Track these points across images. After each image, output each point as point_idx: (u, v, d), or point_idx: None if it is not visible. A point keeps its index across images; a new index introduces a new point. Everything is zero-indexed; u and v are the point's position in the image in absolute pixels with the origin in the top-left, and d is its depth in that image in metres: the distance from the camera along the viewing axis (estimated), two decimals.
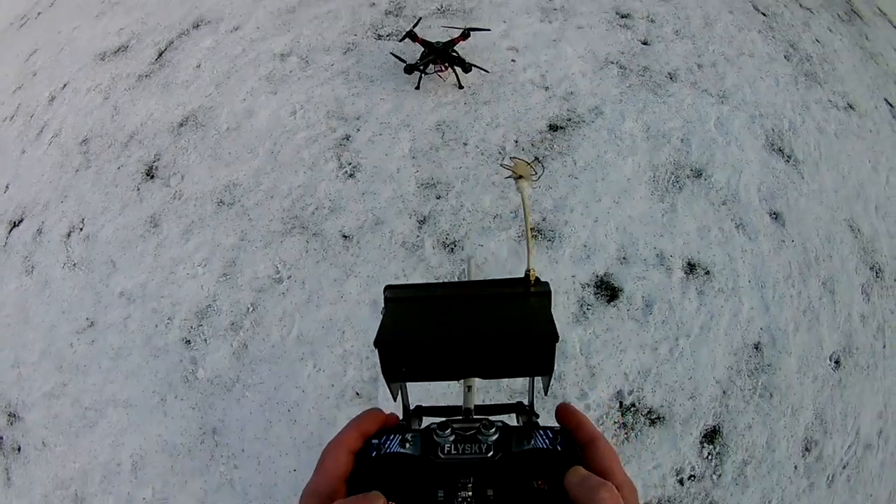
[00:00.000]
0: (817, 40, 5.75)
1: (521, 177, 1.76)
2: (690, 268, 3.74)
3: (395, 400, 0.88)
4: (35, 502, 3.50)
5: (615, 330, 3.50)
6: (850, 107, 5.15)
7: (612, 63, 4.76)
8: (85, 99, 5.15)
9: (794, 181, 4.32)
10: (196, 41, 5.26)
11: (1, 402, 3.83)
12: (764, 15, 5.75)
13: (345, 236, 3.81)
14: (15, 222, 4.54)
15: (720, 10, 5.58)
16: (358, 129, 4.30)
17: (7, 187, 4.82)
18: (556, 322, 0.82)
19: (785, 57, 5.31)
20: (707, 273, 3.75)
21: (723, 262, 3.81)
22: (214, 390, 3.47)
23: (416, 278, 3.58)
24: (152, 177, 4.35)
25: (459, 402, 1.34)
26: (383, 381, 2.90)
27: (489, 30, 4.74)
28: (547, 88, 4.51)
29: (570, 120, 4.33)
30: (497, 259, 3.62)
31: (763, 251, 3.93)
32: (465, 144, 4.17)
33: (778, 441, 3.47)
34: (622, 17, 5.20)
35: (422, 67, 4.35)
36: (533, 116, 4.31)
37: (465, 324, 0.92)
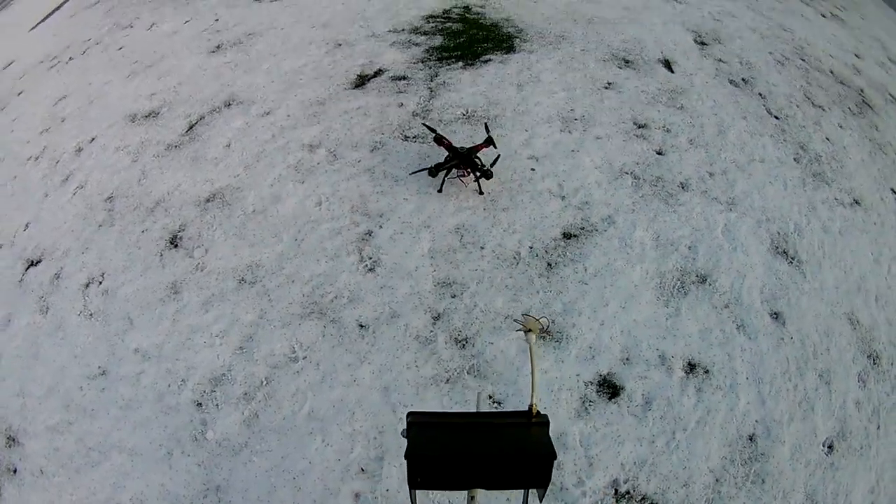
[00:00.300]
0: (827, 139, 5.99)
1: (530, 330, 1.98)
2: (690, 367, 3.95)
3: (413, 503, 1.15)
4: None
5: (614, 424, 3.70)
6: (856, 202, 5.37)
7: (627, 173, 5.01)
8: (113, 157, 5.51)
9: (796, 281, 4.54)
10: (227, 120, 5.63)
11: (1, 424, 4.02)
12: (776, 118, 6.03)
13: (361, 325, 4.03)
14: (33, 261, 4.82)
15: (734, 117, 5.87)
16: (380, 226, 4.55)
17: (27, 226, 5.14)
18: (552, 442, 1.04)
19: (794, 160, 5.56)
20: (706, 372, 3.95)
21: (722, 362, 4.01)
22: (222, 451, 3.65)
23: (428, 370, 3.81)
24: (176, 246, 4.62)
25: None
26: (388, 460, 3.07)
27: (498, 155, 4.82)
28: (563, 198, 4.76)
29: (583, 228, 4.57)
30: (506, 357, 3.86)
31: (762, 349, 4.12)
32: (483, 248, 4.41)
33: None
34: (639, 127, 5.49)
35: (445, 170, 4.59)
36: (548, 224, 4.56)
37: (478, 446, 1.20)
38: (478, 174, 4.53)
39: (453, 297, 4.12)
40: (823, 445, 3.87)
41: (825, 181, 5.43)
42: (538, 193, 4.74)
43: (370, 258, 4.33)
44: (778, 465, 3.73)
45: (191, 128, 5.54)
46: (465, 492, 1.62)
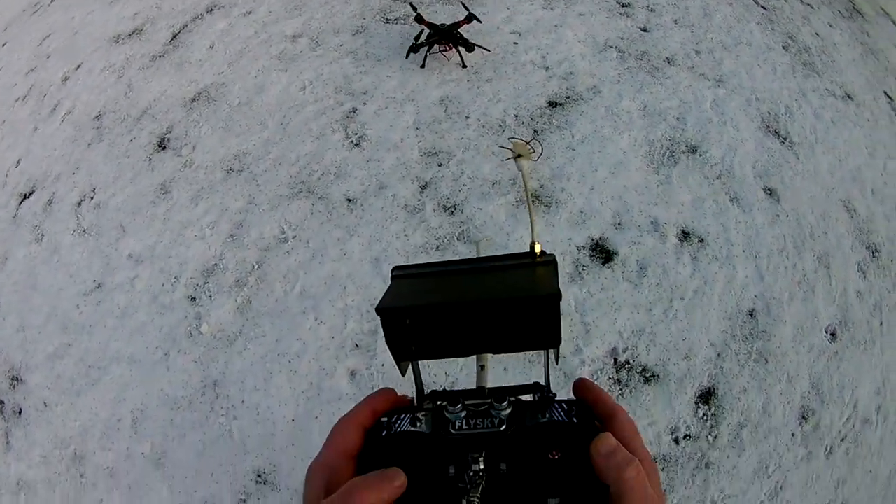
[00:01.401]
0: (817, 34, 5.86)
1: (519, 156, 1.86)
2: (684, 235, 3.81)
3: (402, 375, 0.82)
4: (33, 464, 3.56)
5: (609, 290, 3.56)
6: (848, 96, 5.24)
7: (612, 47, 4.88)
8: (99, 78, 5.32)
9: (788, 161, 4.39)
10: (210, 24, 5.44)
11: (4, 365, 3.91)
12: (763, 8, 5.88)
13: (349, 199, 3.92)
14: (25, 194, 4.69)
15: (719, 2, 5.71)
16: (364, 103, 4.44)
17: (18, 162, 4.98)
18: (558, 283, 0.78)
19: (783, 47, 5.42)
20: (701, 241, 3.81)
21: (717, 232, 3.87)
22: (217, 344, 3.55)
23: (417, 238, 3.67)
24: (164, 148, 4.49)
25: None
26: (381, 335, 2.95)
27: (490, 51, 4.84)
28: (547, 69, 4.63)
29: (568, 98, 4.45)
30: (496, 222, 3.72)
31: (757, 223, 3.99)
32: (468, 118, 4.30)
33: (774, 407, 3.49)
34: (622, 6, 5.34)
35: (427, 47, 4.50)
36: (533, 94, 4.44)
37: (469, 291, 0.85)
38: (459, 47, 4.46)
39: (440, 165, 4.02)
40: (826, 332, 3.75)
41: (815, 72, 5.31)
42: (521, 65, 4.63)
43: (356, 134, 4.25)
44: (781, 346, 3.60)
45: (174, 37, 5.45)
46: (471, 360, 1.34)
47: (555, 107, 4.35)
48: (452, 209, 3.81)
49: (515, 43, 4.80)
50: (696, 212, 3.91)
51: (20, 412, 3.74)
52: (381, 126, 4.28)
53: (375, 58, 4.76)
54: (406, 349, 0.76)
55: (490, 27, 4.91)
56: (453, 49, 4.55)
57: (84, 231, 4.22)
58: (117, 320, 3.79)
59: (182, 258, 3.89)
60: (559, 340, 0.73)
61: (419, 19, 4.55)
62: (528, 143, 1.68)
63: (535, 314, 0.74)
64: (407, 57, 4.60)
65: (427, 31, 4.59)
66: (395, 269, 0.96)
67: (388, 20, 5.11)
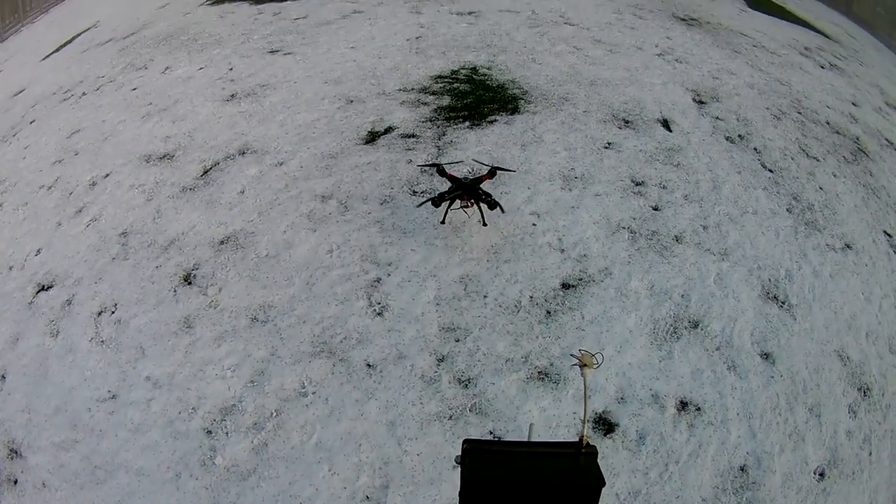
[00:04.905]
0: (821, 188, 6.30)
1: (585, 365, 2.16)
2: (683, 405, 4.20)
3: None
4: None
5: (609, 458, 3.93)
6: (848, 246, 5.65)
7: (624, 228, 5.30)
8: (127, 194, 5.79)
9: (786, 324, 4.80)
10: (241, 167, 5.93)
11: (4, 437, 4.24)
12: (770, 171, 6.34)
13: (369, 365, 4.30)
14: (44, 286, 5.10)
15: (729, 172, 6.17)
16: (389, 275, 4.84)
17: (39, 251, 5.44)
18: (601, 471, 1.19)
19: (787, 210, 5.86)
20: (698, 409, 4.19)
21: (713, 399, 4.25)
22: (230, 477, 3.87)
23: (432, 407, 4.06)
24: (190, 283, 4.90)
25: None
26: (393, 489, 3.23)
27: (514, 171, 5.02)
28: (563, 251, 5.05)
29: (581, 279, 4.86)
30: (507, 396, 4.13)
31: (752, 387, 4.36)
32: (486, 297, 4.70)
33: None
34: (637, 184, 5.79)
35: (448, 202, 4.73)
36: (548, 275, 4.86)
37: (532, 474, 1.29)
38: (481, 204, 4.64)
39: (457, 341, 4.40)
40: (815, 473, 4.07)
41: (817, 228, 5.71)
42: (539, 247, 5.04)
43: (378, 303, 4.61)
44: (770, 493, 3.93)
45: (205, 172, 5.86)
46: None
47: (568, 288, 4.77)
48: (467, 382, 4.21)
49: (534, 224, 5.26)
50: (694, 383, 4.32)
51: (15, 482, 4.03)
52: (404, 298, 4.67)
53: (401, 230, 5.19)
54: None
55: (511, 206, 5.35)
56: (475, 205, 4.79)
57: (102, 342, 4.59)
58: (129, 433, 4.11)
59: (201, 392, 4.23)
60: None
61: (441, 172, 4.73)
62: (593, 355, 2.04)
63: (581, 497, 1.11)
64: (419, 206, 4.85)
65: (449, 184, 4.83)
66: (465, 442, 1.44)
67: (414, 192, 5.57)
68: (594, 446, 1.29)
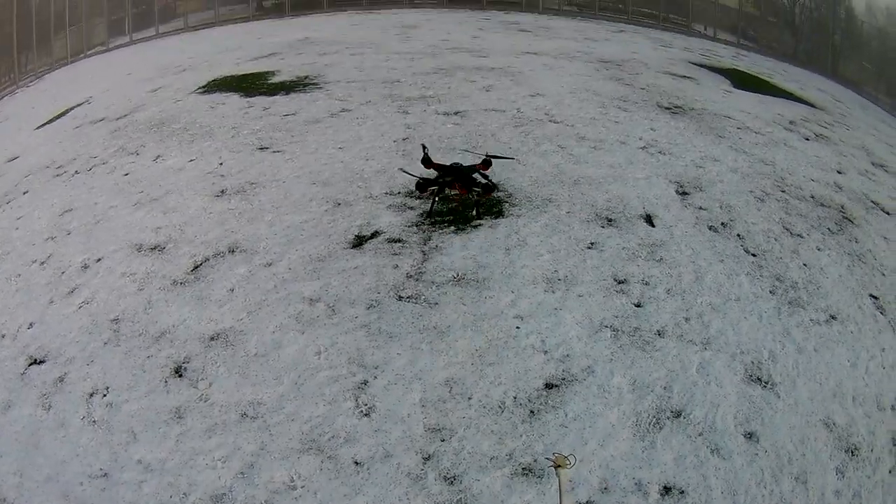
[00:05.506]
0: (804, 264, 6.49)
1: (559, 466, 2.32)
2: (666, 490, 4.30)
3: None
4: None
5: None
6: (833, 317, 5.81)
7: (607, 327, 5.48)
8: (119, 281, 6.02)
9: (770, 402, 4.92)
10: (231, 266, 6.15)
11: None
12: (753, 255, 6.54)
13: (356, 462, 4.43)
14: (36, 360, 5.29)
15: (711, 262, 6.36)
16: (375, 377, 4.99)
17: (31, 325, 5.66)
18: None
19: (770, 292, 6.03)
20: (682, 492, 4.28)
21: (696, 482, 4.34)
22: None
23: (419, 502, 4.16)
24: (180, 375, 5.06)
25: None
26: None
27: (513, 158, 4.67)
28: (546, 352, 5.22)
29: (564, 379, 5.01)
30: (491, 491, 4.25)
31: (736, 466, 4.45)
32: (470, 399, 4.86)
33: None
34: (619, 282, 5.99)
35: (436, 189, 4.34)
36: (532, 377, 5.02)
37: None
38: (476, 192, 4.16)
39: (443, 440, 4.54)
40: None
41: (801, 305, 5.87)
42: (522, 349, 5.23)
43: (366, 405, 4.77)
44: None
45: (196, 268, 6.08)
46: None
47: (551, 388, 4.93)
48: (452, 479, 4.32)
49: (518, 327, 5.46)
50: (677, 468, 4.42)
51: None
52: (391, 400, 4.82)
53: (388, 334, 5.35)
54: None
55: (495, 311, 5.59)
56: (466, 193, 4.47)
57: (94, 422, 4.72)
58: None
59: (192, 480, 4.31)
60: None
61: (426, 161, 4.31)
62: (566, 457, 2.38)
63: None
64: (402, 171, 4.54)
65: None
66: None
67: (400, 297, 5.72)
68: None
